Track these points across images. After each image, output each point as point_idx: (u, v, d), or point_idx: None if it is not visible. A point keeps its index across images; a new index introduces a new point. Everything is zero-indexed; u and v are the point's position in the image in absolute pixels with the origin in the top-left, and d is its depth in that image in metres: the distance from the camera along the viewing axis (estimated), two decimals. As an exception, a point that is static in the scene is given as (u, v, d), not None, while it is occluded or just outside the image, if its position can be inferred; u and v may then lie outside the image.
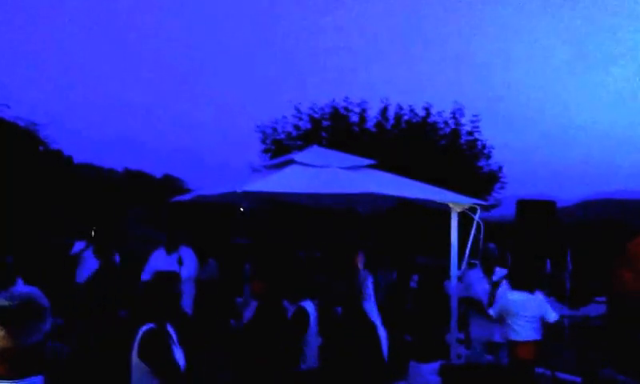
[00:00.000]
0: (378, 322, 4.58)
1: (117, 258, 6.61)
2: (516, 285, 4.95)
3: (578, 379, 6.08)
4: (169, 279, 3.02)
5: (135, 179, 29.63)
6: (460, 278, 6.03)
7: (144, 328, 2.84)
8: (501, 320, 5.00)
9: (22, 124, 16.61)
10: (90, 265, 6.65)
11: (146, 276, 5.86)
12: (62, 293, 5.69)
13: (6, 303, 1.61)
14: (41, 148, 17.44)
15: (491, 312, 4.95)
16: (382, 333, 4.51)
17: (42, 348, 1.63)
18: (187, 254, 6.05)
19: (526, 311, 4.79)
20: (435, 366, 4.95)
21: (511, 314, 4.81)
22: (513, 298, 4.85)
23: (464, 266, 6.12)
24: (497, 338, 5.56)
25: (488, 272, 5.75)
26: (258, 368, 3.57)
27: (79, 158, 24.42)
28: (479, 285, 5.72)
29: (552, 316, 4.87)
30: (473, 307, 5.73)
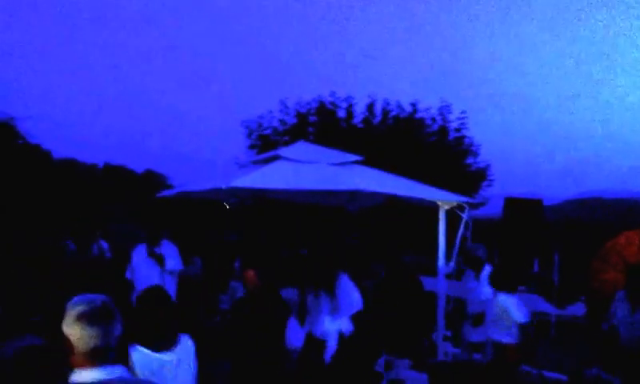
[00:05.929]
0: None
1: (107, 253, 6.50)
2: (498, 286, 4.90)
3: (564, 377, 6.09)
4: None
5: (116, 174, 29.20)
6: (449, 276, 6.00)
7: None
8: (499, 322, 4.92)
9: (-1, 117, 16.21)
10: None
11: (129, 274, 5.79)
12: (43, 288, 5.54)
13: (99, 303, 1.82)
14: (20, 142, 17.05)
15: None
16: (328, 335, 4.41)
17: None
18: (170, 249, 5.84)
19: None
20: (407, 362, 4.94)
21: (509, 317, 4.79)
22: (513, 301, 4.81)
23: (452, 263, 6.08)
24: (474, 338, 5.55)
25: (476, 271, 5.70)
26: (254, 351, 3.71)
27: (59, 152, 23.87)
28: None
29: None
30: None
